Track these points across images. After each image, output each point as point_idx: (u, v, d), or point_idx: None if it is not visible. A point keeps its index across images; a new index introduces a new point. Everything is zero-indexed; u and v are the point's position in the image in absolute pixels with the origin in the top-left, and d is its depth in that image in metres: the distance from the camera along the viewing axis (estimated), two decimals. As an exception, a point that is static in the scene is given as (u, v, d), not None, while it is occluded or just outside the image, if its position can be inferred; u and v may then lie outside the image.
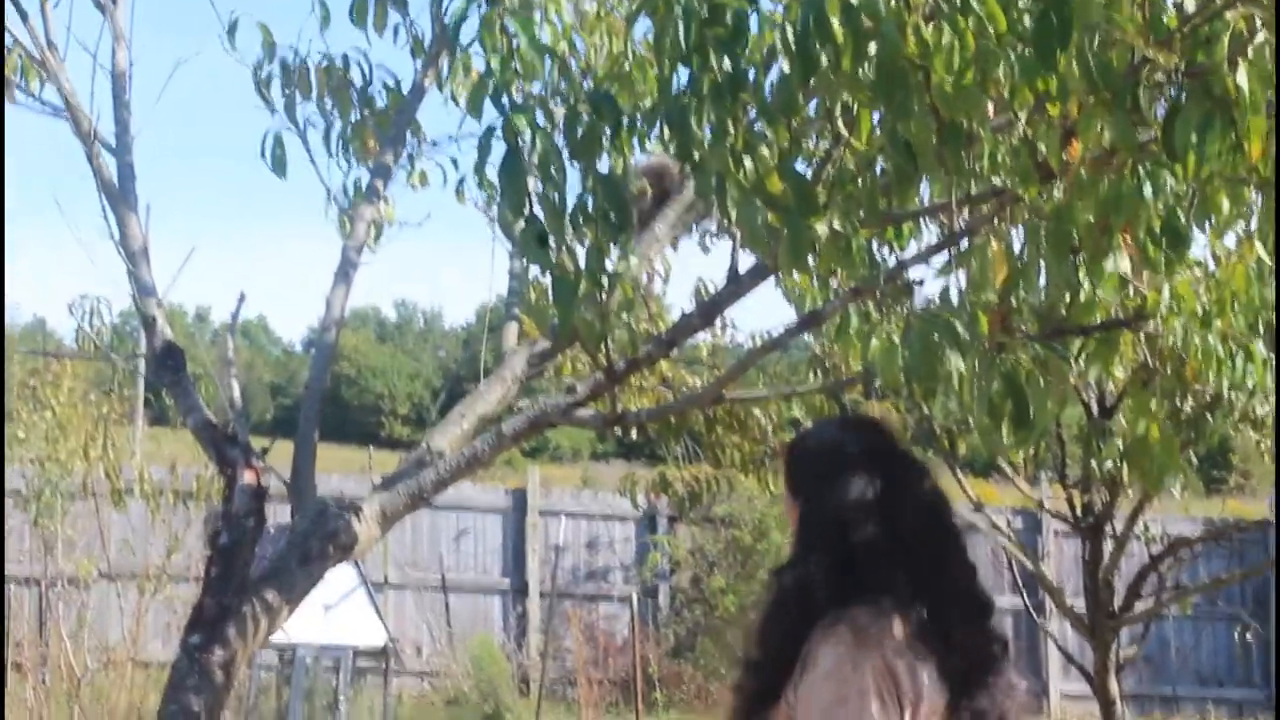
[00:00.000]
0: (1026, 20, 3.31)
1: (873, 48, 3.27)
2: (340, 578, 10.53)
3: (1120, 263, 3.92)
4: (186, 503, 12.31)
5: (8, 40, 5.53)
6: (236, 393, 5.22)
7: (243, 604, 4.67)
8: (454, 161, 6.12)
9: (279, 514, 5.78)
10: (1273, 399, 5.24)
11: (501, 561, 17.94)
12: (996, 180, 3.91)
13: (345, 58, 5.78)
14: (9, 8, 5.34)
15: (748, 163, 3.45)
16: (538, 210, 3.57)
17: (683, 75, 3.44)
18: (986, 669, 3.02)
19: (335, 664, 12.16)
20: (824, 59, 3.26)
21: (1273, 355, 4.60)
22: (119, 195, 5.36)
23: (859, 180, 3.99)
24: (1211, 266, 4.74)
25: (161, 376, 5.25)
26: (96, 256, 5.36)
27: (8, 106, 5.68)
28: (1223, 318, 4.53)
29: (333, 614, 12.18)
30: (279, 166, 5.66)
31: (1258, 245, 4.35)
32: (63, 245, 5.54)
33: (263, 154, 5.65)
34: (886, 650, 2.90)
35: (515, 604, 17.74)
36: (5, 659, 12.58)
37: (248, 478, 4.84)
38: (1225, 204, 3.75)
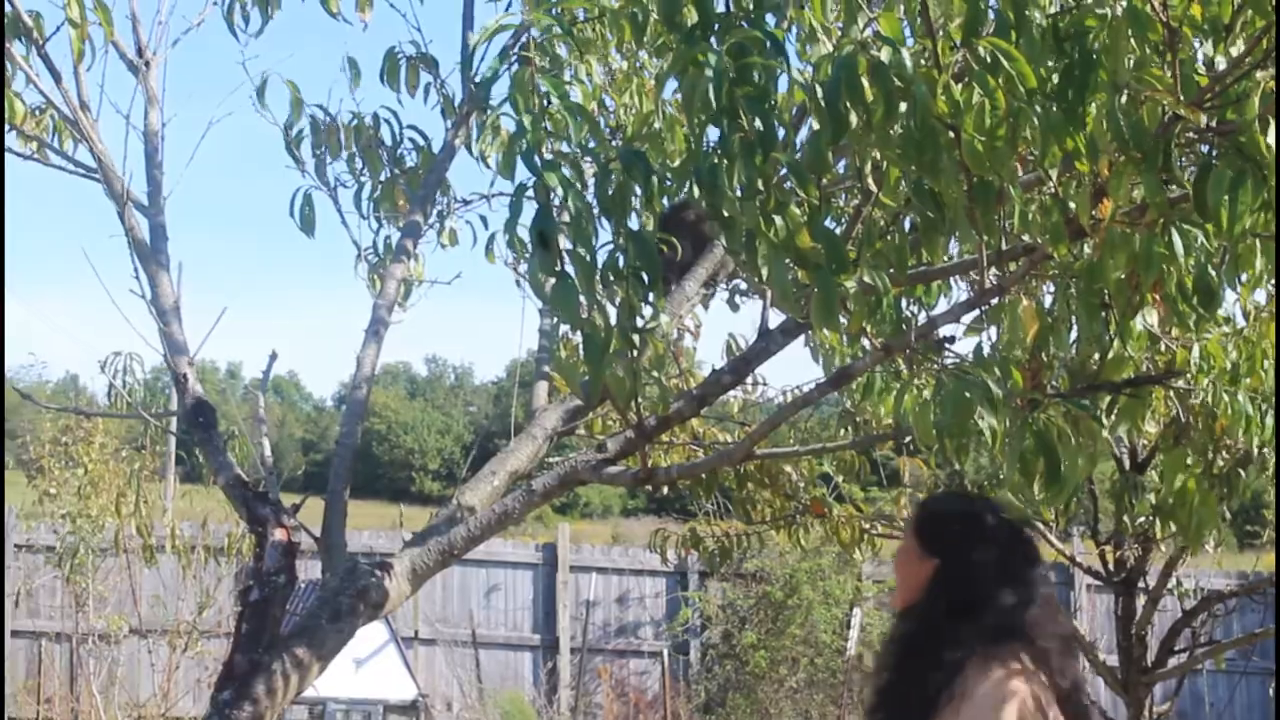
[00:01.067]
0: (1055, 79, 3.32)
1: (903, 107, 3.28)
2: (370, 633, 10.53)
3: (1150, 318, 3.92)
4: (218, 559, 12.35)
5: (40, 101, 5.58)
6: (268, 450, 5.23)
7: (273, 660, 4.66)
8: (484, 220, 6.15)
9: (310, 570, 5.78)
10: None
11: (532, 617, 17.89)
12: (1027, 238, 3.91)
13: (375, 116, 5.82)
14: (43, 70, 5.39)
15: (778, 220, 3.46)
16: (569, 268, 3.57)
17: (712, 134, 3.45)
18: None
19: (365, 718, 12.15)
20: (854, 118, 3.27)
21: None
22: (151, 254, 5.39)
23: (888, 236, 3.99)
24: (1241, 323, 4.72)
25: (193, 434, 5.26)
26: (129, 314, 5.39)
27: (41, 167, 5.73)
28: (1253, 375, 4.53)
29: (363, 669, 12.18)
30: (307, 225, 5.70)
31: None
32: (95, 302, 5.56)
33: (292, 212, 5.69)
34: (1034, 685, 3.38)
35: (546, 659, 17.66)
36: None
37: (278, 535, 4.84)
38: (1259, 261, 3.75)
